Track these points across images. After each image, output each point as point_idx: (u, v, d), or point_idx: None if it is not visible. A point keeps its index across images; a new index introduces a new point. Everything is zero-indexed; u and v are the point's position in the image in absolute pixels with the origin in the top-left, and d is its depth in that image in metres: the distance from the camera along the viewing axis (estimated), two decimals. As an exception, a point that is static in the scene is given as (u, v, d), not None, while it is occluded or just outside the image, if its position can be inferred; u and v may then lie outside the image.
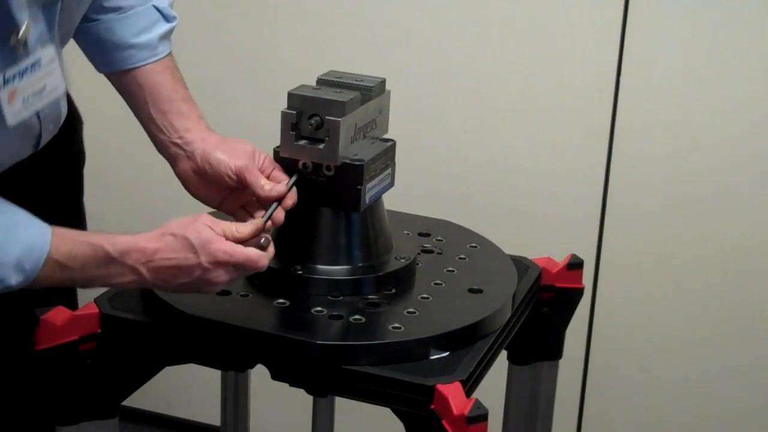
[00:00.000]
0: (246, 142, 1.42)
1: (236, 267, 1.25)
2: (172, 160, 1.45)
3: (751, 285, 2.08)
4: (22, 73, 1.25)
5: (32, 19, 1.24)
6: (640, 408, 2.21)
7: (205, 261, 1.23)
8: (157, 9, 1.49)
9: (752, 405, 2.15)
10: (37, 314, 1.31)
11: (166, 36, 1.50)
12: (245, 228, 1.27)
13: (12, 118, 1.24)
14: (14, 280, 1.22)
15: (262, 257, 1.26)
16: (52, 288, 1.55)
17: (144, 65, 1.48)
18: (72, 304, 1.52)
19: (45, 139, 1.43)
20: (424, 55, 2.14)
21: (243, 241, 1.26)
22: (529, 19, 2.06)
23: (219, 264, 1.24)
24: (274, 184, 1.36)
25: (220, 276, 1.25)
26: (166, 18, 1.50)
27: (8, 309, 1.47)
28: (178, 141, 1.44)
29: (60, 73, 1.32)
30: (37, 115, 1.36)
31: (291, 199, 1.35)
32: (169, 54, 1.50)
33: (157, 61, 1.48)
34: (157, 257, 1.24)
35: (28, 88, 1.26)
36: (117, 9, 1.48)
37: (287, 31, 2.22)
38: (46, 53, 1.28)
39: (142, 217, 2.15)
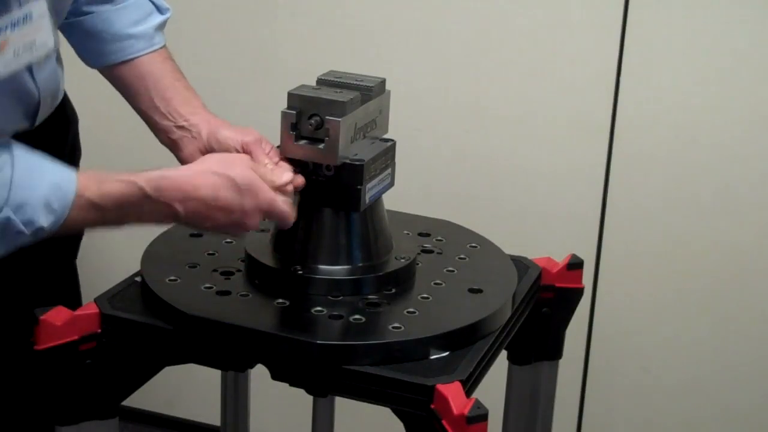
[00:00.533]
0: (252, 129, 1.43)
1: (269, 215, 1.28)
2: (177, 145, 1.45)
3: (751, 285, 2.08)
4: (13, 24, 1.24)
5: None
6: (640, 408, 2.21)
7: (248, 205, 1.25)
8: (151, 1, 1.51)
9: (752, 405, 2.15)
10: (37, 314, 1.30)
11: (160, 27, 1.52)
12: (283, 176, 1.30)
13: (2, 68, 1.23)
14: (44, 221, 1.19)
15: (291, 215, 1.30)
16: (52, 288, 1.55)
17: (142, 55, 1.48)
18: (75, 303, 1.52)
19: (42, 113, 1.42)
20: (424, 55, 2.14)
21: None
22: (529, 19, 2.06)
23: (260, 211, 1.26)
24: (280, 165, 1.36)
25: (255, 220, 1.27)
26: (160, 10, 1.52)
27: (8, 309, 1.47)
28: (184, 124, 1.45)
29: (50, 31, 1.31)
30: (35, 83, 1.37)
31: (300, 179, 1.35)
32: (164, 46, 1.51)
33: (155, 51, 1.49)
34: (198, 195, 1.23)
35: (18, 41, 1.25)
36: (111, 0, 1.49)
37: (287, 31, 2.22)
38: (38, 7, 1.27)
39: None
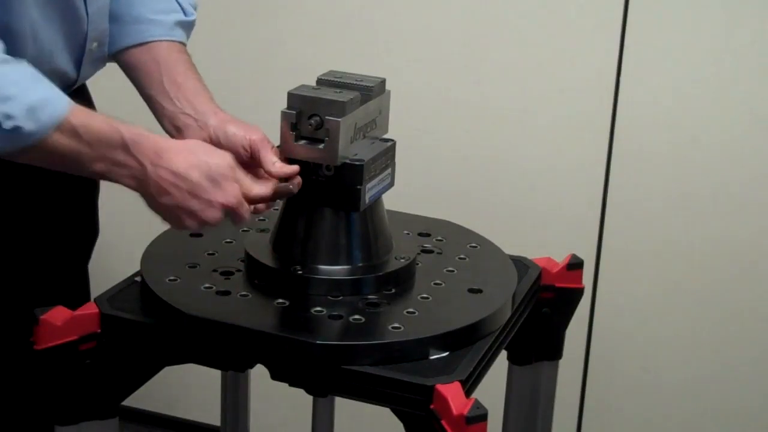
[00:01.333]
0: (258, 127, 1.43)
1: (230, 214, 1.27)
2: (181, 133, 1.45)
3: (751, 285, 2.08)
4: None
5: None
6: (640, 408, 2.21)
7: (214, 196, 1.25)
8: (177, 2, 1.53)
9: (752, 405, 2.15)
10: (37, 314, 1.30)
11: (181, 26, 1.52)
12: (260, 189, 1.30)
13: None
14: (25, 124, 1.19)
15: (245, 220, 1.29)
16: (63, 290, 1.55)
17: (160, 41, 1.49)
18: (81, 298, 1.52)
19: (86, 65, 1.45)
20: (424, 55, 2.14)
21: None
22: (529, 18, 2.06)
23: (223, 206, 1.25)
24: (285, 164, 1.36)
25: (215, 215, 1.26)
26: (184, 11, 1.53)
27: (8, 309, 1.47)
28: (191, 112, 1.44)
29: None
30: (86, 8, 1.39)
31: (299, 180, 1.36)
32: (184, 44, 1.52)
33: (173, 42, 1.50)
34: (171, 164, 1.24)
35: None
36: None
37: (287, 31, 2.22)
38: None
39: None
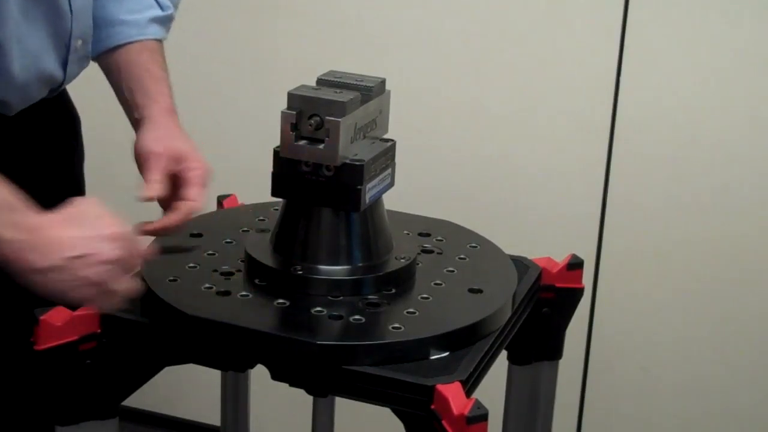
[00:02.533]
0: (191, 144, 1.40)
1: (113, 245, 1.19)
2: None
3: (751, 285, 2.09)
4: None
5: None
6: (640, 408, 2.21)
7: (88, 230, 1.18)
8: None
9: (752, 405, 2.15)
10: (37, 314, 1.30)
11: (158, 21, 1.51)
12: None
13: None
14: None
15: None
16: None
17: (132, 43, 1.48)
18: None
19: (72, 63, 1.43)
20: (424, 55, 2.14)
21: None
22: (529, 19, 2.07)
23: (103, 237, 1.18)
24: (155, 185, 1.34)
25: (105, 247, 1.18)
26: (161, 6, 1.52)
27: (8, 309, 1.47)
28: (138, 117, 1.45)
29: None
30: (70, 4, 1.37)
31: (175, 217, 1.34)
32: (160, 40, 1.51)
33: (145, 41, 1.48)
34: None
35: None
36: None
37: (287, 31, 2.22)
38: None
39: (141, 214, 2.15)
